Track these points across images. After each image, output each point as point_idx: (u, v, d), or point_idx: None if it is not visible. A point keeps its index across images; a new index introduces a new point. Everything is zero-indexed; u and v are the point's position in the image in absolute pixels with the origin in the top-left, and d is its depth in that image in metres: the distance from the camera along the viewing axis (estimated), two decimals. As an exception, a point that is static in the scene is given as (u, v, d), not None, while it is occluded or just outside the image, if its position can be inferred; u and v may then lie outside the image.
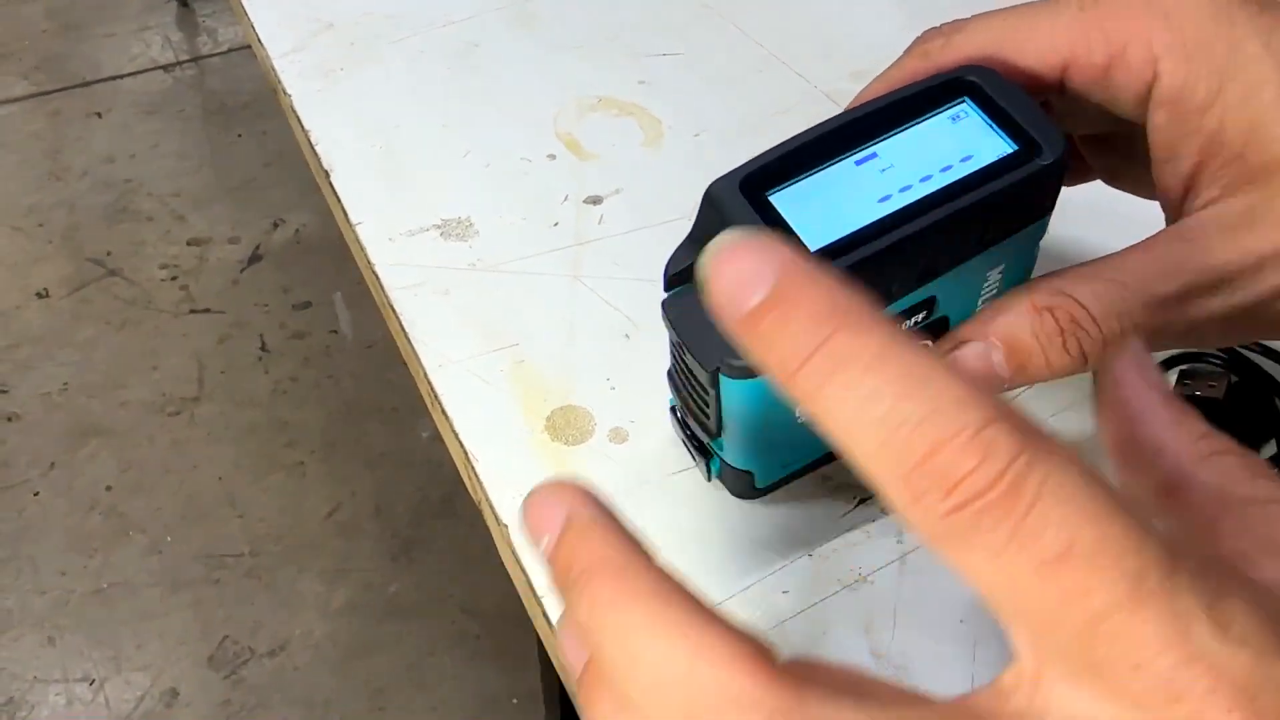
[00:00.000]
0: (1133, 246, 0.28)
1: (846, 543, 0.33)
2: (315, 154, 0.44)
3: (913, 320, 0.30)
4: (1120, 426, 0.21)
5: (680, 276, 0.29)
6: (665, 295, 0.29)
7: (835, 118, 0.28)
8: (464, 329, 0.38)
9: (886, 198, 0.27)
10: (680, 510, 0.34)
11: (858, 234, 0.26)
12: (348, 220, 0.42)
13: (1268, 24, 0.27)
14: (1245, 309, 0.27)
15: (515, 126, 0.46)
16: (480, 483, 0.34)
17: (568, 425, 0.36)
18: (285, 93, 0.47)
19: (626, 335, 0.39)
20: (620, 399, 0.37)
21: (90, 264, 1.74)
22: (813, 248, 0.26)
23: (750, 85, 0.48)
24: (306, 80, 0.47)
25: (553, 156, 0.45)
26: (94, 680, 1.28)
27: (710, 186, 0.28)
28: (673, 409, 0.34)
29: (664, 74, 0.49)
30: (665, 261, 0.29)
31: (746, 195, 0.27)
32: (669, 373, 0.33)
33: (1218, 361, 0.38)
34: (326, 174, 0.43)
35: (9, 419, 1.50)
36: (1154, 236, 0.28)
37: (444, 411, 0.36)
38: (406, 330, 0.38)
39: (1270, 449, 0.36)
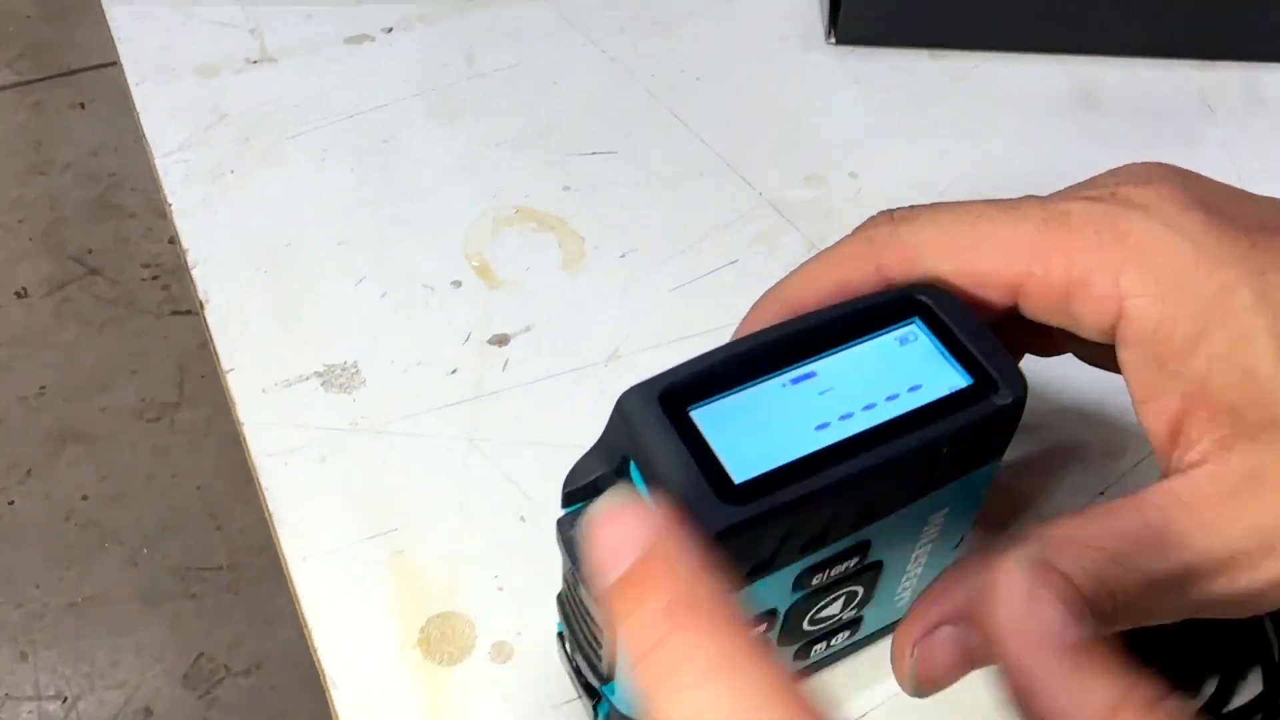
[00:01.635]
0: (1124, 505, 0.23)
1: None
2: (193, 279, 0.39)
3: (844, 565, 0.26)
4: (1018, 698, 0.19)
5: (581, 493, 0.25)
6: (561, 513, 0.25)
7: (772, 328, 0.25)
8: (338, 509, 0.34)
9: (825, 425, 0.23)
10: (567, 751, 0.29)
11: (791, 466, 0.23)
12: (219, 365, 0.37)
13: (1259, 264, 0.23)
14: (1253, 594, 0.23)
15: (421, 244, 0.41)
16: (336, 716, 0.30)
17: (444, 639, 0.31)
18: (167, 202, 0.42)
19: (522, 518, 0.34)
20: (508, 603, 0.32)
21: (71, 262, 1.70)
22: (738, 479, 0.22)
23: (690, 192, 0.43)
24: (191, 185, 0.42)
25: (458, 284, 0.40)
26: (66, 698, 1.26)
27: (623, 397, 0.24)
28: (560, 635, 0.29)
29: (594, 177, 0.44)
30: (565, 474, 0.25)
31: (665, 410, 0.23)
32: (559, 597, 0.28)
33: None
34: (201, 305, 0.39)
35: (-14, 424, 1.48)
36: (1147, 496, 0.24)
37: (304, 619, 0.31)
38: (272, 512, 0.33)
39: (1254, 674, 0.31)
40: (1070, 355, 0.29)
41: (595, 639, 0.26)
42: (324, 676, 0.30)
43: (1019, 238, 0.24)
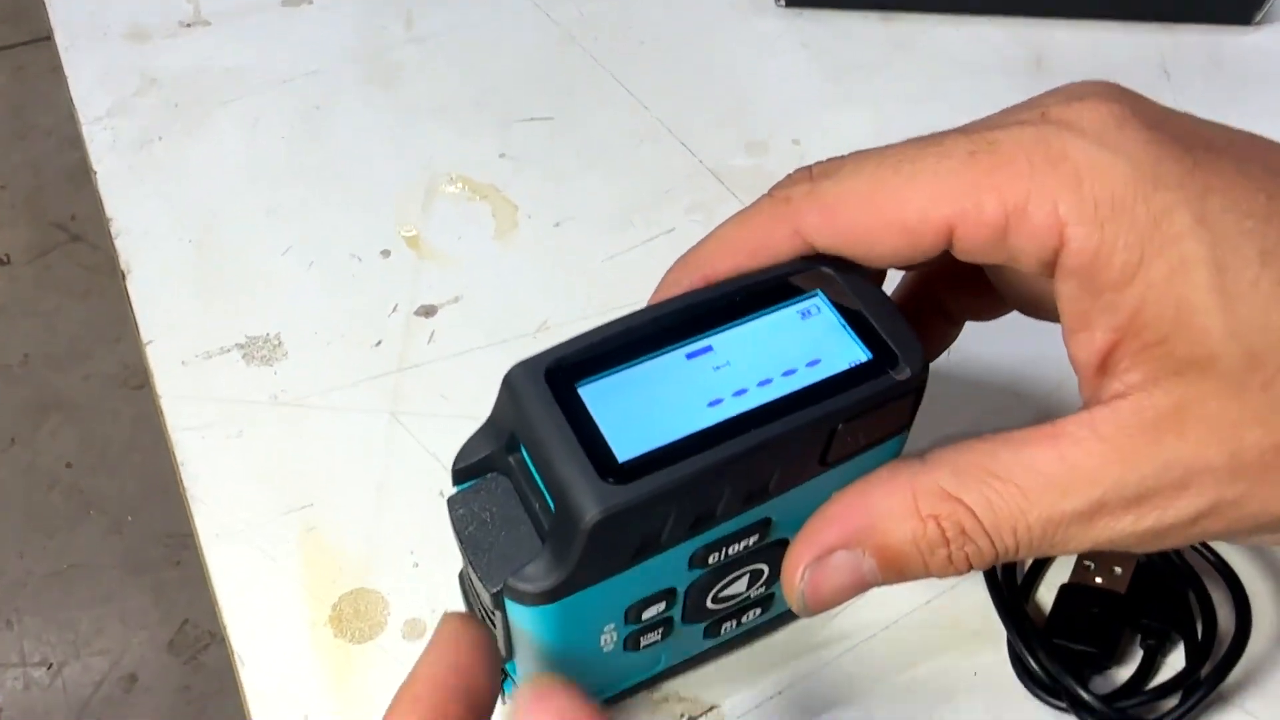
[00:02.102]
0: (1038, 433, 0.23)
1: (665, 778, 0.28)
2: (115, 249, 0.39)
3: (743, 544, 0.25)
4: None
5: (471, 470, 0.24)
6: (453, 490, 0.25)
7: (671, 300, 0.24)
8: (253, 484, 0.33)
9: (717, 401, 0.23)
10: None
11: (678, 444, 0.22)
12: (139, 337, 0.36)
13: (1200, 186, 0.21)
14: (1159, 532, 0.22)
15: (352, 214, 0.40)
16: (244, 694, 0.29)
17: (356, 616, 0.31)
18: (92, 169, 0.41)
19: (442, 493, 0.33)
20: (423, 579, 0.32)
21: (54, 229, 1.69)
22: (622, 457, 0.22)
23: (629, 159, 0.42)
24: (118, 153, 0.41)
25: (387, 253, 0.39)
26: (52, 665, 1.27)
27: (510, 372, 0.23)
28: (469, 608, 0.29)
29: (530, 144, 0.43)
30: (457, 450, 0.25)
31: (551, 385, 0.23)
32: (460, 576, 0.28)
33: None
34: (123, 275, 0.38)
35: (-33, 392, 1.47)
36: (1063, 426, 0.23)
37: (214, 597, 0.31)
38: (186, 487, 0.33)
39: (1177, 651, 0.30)
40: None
41: (491, 620, 0.25)
42: (232, 655, 0.30)
43: (946, 176, 0.23)
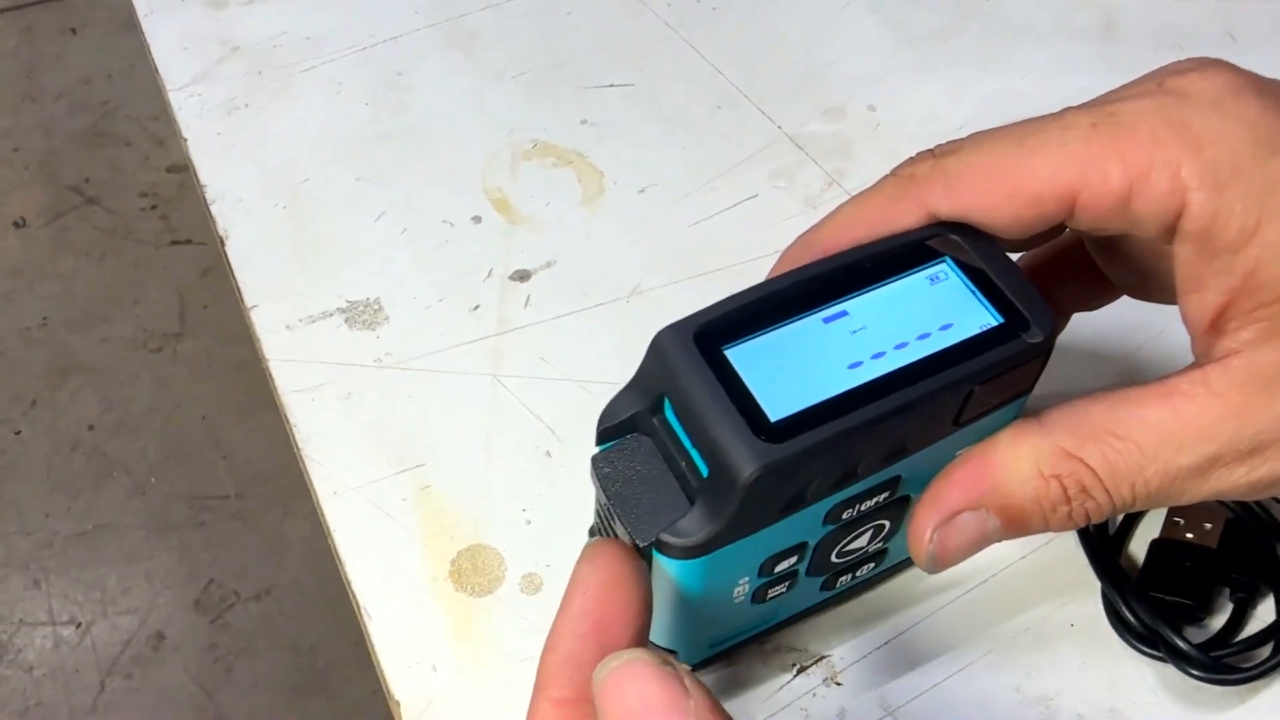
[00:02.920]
0: (1153, 391, 0.24)
1: (781, 723, 0.29)
2: (211, 216, 0.39)
3: (874, 500, 0.26)
4: None
5: (614, 430, 0.25)
6: (596, 450, 0.25)
7: (803, 268, 0.25)
8: (365, 445, 0.34)
9: (857, 364, 0.24)
10: (596, 680, 0.30)
11: (825, 405, 0.23)
12: (243, 302, 0.37)
13: None
14: (1272, 482, 0.24)
15: (439, 180, 0.41)
16: (373, 646, 0.31)
17: (474, 571, 0.32)
18: (182, 136, 0.41)
19: (548, 452, 0.34)
20: (536, 536, 0.33)
21: (68, 191, 1.69)
22: (774, 417, 0.23)
23: (708, 126, 0.43)
24: (206, 120, 0.42)
25: (478, 219, 0.40)
26: (80, 623, 1.28)
27: (658, 336, 0.24)
28: None
29: (611, 111, 0.43)
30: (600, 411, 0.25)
31: (701, 348, 0.24)
32: (591, 531, 0.29)
33: (1213, 494, 0.33)
34: (222, 240, 0.39)
35: (-11, 355, 1.48)
36: (1177, 384, 0.24)
37: (337, 553, 0.32)
38: (300, 447, 0.34)
39: (1268, 603, 0.32)
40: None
41: None
42: (359, 609, 0.31)
43: (1069, 147, 0.24)
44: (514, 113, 0.43)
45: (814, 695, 0.30)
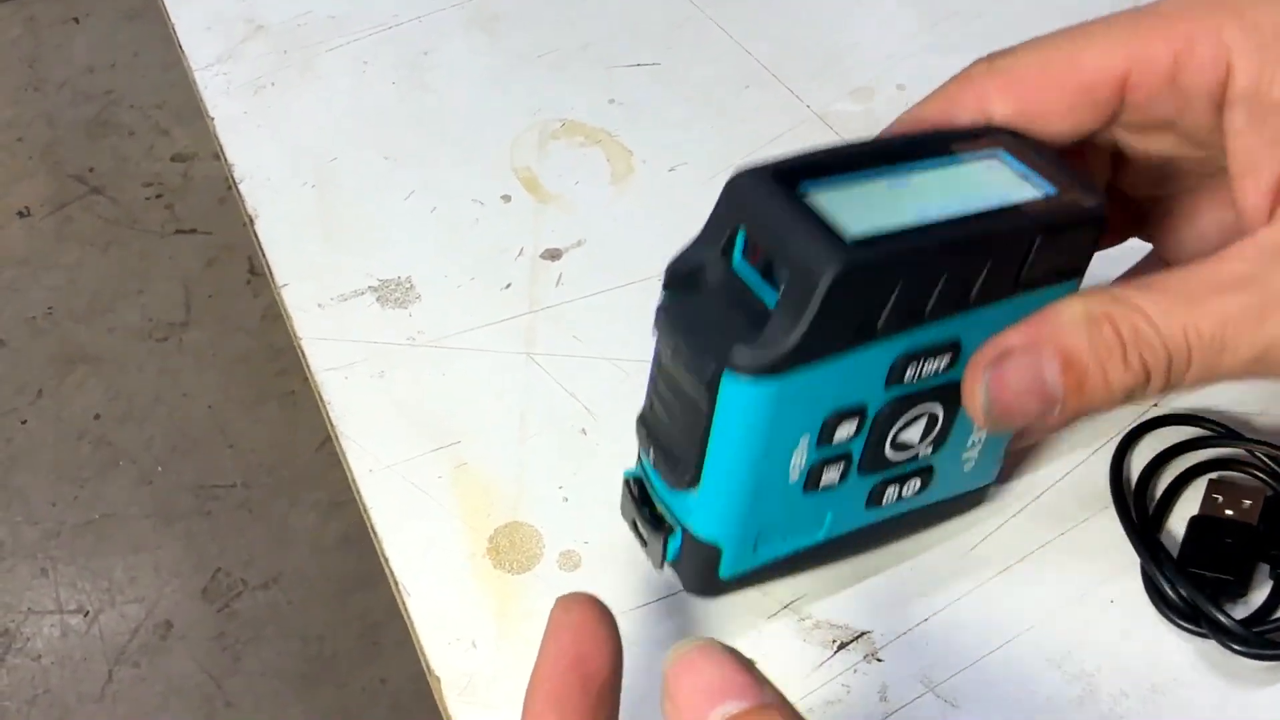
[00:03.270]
0: (1201, 260, 0.24)
1: (822, 699, 0.29)
2: (239, 195, 0.39)
3: (935, 364, 0.27)
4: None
5: (682, 278, 0.26)
6: (663, 297, 0.26)
7: (867, 141, 0.26)
8: (400, 422, 0.34)
9: (925, 212, 0.25)
10: (638, 652, 0.30)
11: (900, 232, 0.24)
12: (273, 281, 0.37)
13: None
14: None
15: (468, 159, 0.41)
16: (413, 622, 0.30)
17: (512, 548, 0.32)
18: (209, 115, 0.41)
19: (583, 430, 0.34)
20: (573, 513, 0.33)
21: (72, 181, 1.69)
22: (852, 232, 0.24)
23: (736, 105, 0.43)
24: (233, 99, 0.42)
25: (507, 198, 0.40)
26: (88, 612, 1.28)
27: (733, 178, 0.25)
28: (627, 483, 0.30)
29: (639, 90, 0.43)
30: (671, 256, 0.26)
31: (778, 184, 0.24)
32: (640, 418, 0.28)
33: (1257, 470, 0.33)
34: (250, 220, 0.38)
35: (-6, 345, 1.48)
36: (1223, 251, 0.24)
37: (374, 530, 0.32)
38: (335, 425, 0.34)
39: (1306, 581, 0.32)
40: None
41: (690, 426, 0.26)
42: (397, 586, 0.31)
43: (1116, 36, 0.25)
44: (541, 92, 0.43)
45: (855, 671, 0.30)
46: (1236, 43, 0.24)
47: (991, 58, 0.27)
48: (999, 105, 0.26)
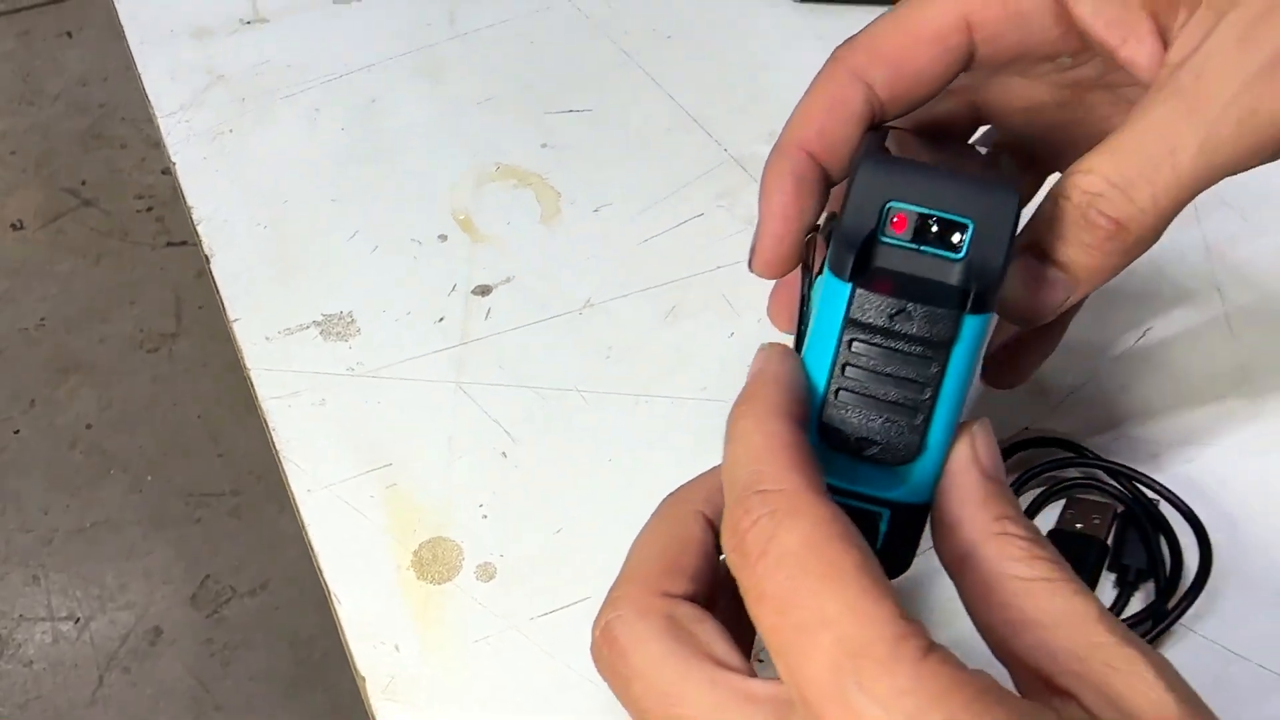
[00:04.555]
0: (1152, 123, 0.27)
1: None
2: (198, 235, 0.43)
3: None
4: (940, 498, 0.25)
5: (861, 264, 0.26)
6: (851, 283, 0.26)
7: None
8: (338, 447, 0.38)
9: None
10: (546, 659, 0.33)
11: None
12: (225, 316, 0.41)
13: None
14: (1246, 96, 0.26)
15: (409, 201, 0.44)
16: (343, 628, 0.34)
17: (435, 560, 0.35)
18: (171, 161, 0.45)
19: (504, 453, 0.38)
20: (492, 528, 0.36)
21: (65, 194, 1.71)
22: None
23: (660, 148, 0.46)
24: (193, 145, 0.45)
25: (444, 237, 0.43)
26: (79, 619, 1.31)
27: (863, 166, 0.27)
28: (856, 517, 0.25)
29: (570, 135, 0.47)
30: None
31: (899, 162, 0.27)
32: (823, 430, 0.27)
33: (1109, 490, 0.37)
34: (207, 259, 0.42)
35: (-11, 355, 1.51)
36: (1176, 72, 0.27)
37: (310, 544, 0.36)
38: (279, 449, 0.37)
39: (1148, 588, 0.35)
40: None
41: (912, 393, 0.26)
42: (330, 594, 0.35)
43: None
44: (480, 137, 0.46)
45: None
46: None
47: (849, 40, 0.29)
48: (869, 71, 0.29)
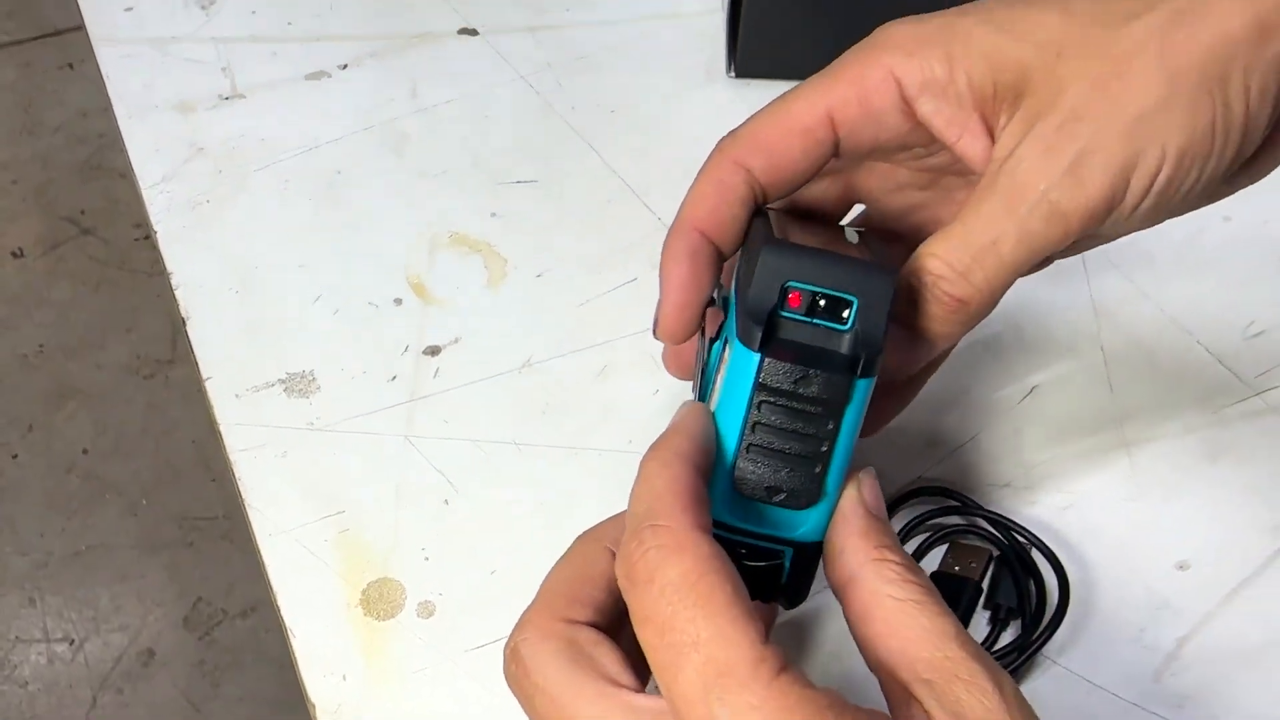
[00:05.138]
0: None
1: None
2: (176, 299, 0.47)
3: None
4: (831, 531, 0.29)
5: (768, 336, 0.30)
6: (760, 353, 0.30)
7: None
8: (296, 495, 0.42)
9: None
10: (478, 689, 0.38)
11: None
12: (200, 374, 0.45)
13: (954, 8, 0.32)
14: (1055, 192, 0.30)
15: (368, 267, 0.49)
16: (296, 659, 0.38)
17: (380, 599, 0.39)
18: (153, 228, 0.49)
19: (446, 501, 0.42)
20: (433, 570, 0.40)
21: (64, 223, 1.75)
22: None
23: (600, 218, 0.51)
24: (173, 215, 0.50)
25: (399, 301, 0.48)
26: (74, 640, 1.33)
27: (766, 251, 0.31)
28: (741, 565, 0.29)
29: (517, 205, 0.51)
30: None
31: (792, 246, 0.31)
32: (735, 481, 0.30)
33: (986, 536, 0.41)
34: (184, 321, 0.46)
35: (-13, 382, 1.54)
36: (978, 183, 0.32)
37: (269, 582, 0.40)
38: (244, 496, 0.42)
39: (1018, 625, 0.39)
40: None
41: (811, 448, 0.30)
42: (285, 628, 0.39)
43: (816, 86, 0.33)
44: (434, 206, 0.51)
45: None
46: (894, 61, 0.32)
47: (732, 132, 0.34)
48: (753, 162, 0.33)
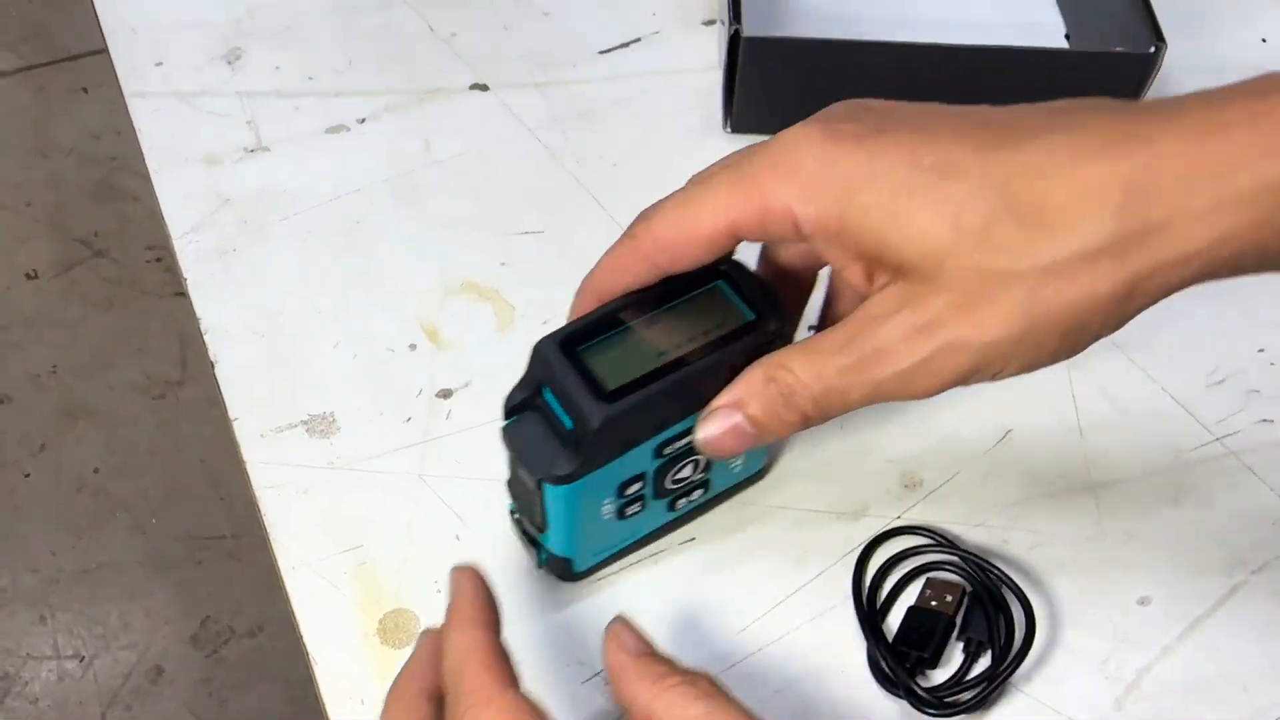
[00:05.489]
0: (838, 326, 0.36)
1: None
2: (205, 343, 0.50)
3: (684, 440, 0.39)
4: (613, 686, 0.33)
5: (515, 409, 0.39)
6: (505, 423, 0.39)
7: (623, 297, 0.39)
8: (317, 530, 0.45)
9: (664, 352, 0.37)
10: None
11: (642, 377, 0.37)
12: (228, 414, 0.48)
13: (868, 151, 0.34)
14: (906, 373, 0.34)
15: (385, 313, 0.52)
16: (318, 683, 0.41)
17: (396, 629, 0.43)
18: (183, 276, 0.52)
19: (457, 536, 0.45)
20: (444, 601, 0.43)
21: (78, 244, 1.77)
22: (610, 387, 0.36)
23: (601, 266, 0.54)
24: (202, 263, 0.53)
25: (414, 346, 0.51)
26: (84, 658, 1.35)
27: (538, 344, 0.38)
28: (511, 512, 0.43)
29: (524, 254, 0.54)
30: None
31: (563, 350, 0.37)
32: (508, 482, 0.42)
33: (961, 572, 0.44)
34: (212, 364, 0.50)
35: (0, 401, 1.56)
36: (850, 319, 0.36)
37: (293, 611, 0.43)
38: (269, 531, 0.45)
39: (987, 659, 0.42)
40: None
41: (532, 501, 0.39)
42: (307, 655, 0.42)
43: (721, 197, 0.36)
44: (447, 255, 0.54)
45: None
46: (791, 199, 0.34)
47: (645, 215, 0.37)
48: (658, 258, 0.37)
